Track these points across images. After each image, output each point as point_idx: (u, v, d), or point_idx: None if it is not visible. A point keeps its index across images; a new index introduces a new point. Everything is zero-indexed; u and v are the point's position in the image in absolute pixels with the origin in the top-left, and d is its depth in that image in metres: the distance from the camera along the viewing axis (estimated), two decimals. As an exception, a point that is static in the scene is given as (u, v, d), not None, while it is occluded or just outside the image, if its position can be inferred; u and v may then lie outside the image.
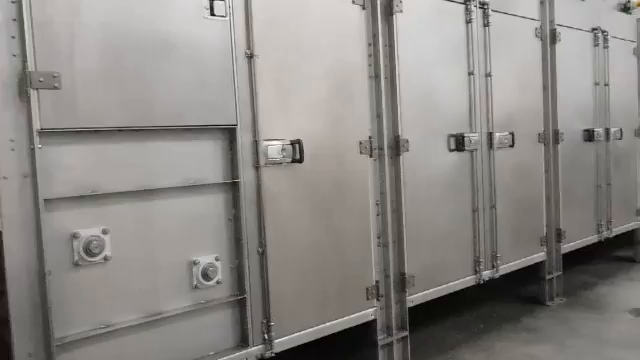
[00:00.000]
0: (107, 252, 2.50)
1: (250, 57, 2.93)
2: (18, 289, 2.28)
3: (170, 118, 2.65)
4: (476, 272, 4.30)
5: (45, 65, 2.29)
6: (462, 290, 4.20)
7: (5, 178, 2.22)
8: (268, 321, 3.03)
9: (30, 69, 2.25)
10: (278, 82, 3.09)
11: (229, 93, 2.86)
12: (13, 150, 2.25)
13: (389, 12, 3.65)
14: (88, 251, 2.44)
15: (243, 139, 2.92)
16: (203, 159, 2.83)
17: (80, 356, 2.44)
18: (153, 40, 2.59)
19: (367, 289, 3.57)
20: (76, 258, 2.43)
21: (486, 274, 4.37)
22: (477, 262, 4.29)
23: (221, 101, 2.83)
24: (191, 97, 2.72)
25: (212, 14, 2.79)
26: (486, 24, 4.32)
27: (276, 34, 3.06)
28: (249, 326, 2.97)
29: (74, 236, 2.42)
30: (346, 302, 3.46)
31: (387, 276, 3.68)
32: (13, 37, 2.24)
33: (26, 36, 2.24)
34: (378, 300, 3.63)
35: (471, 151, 4.23)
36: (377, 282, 3.63)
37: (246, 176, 2.94)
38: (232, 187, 2.93)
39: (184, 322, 2.76)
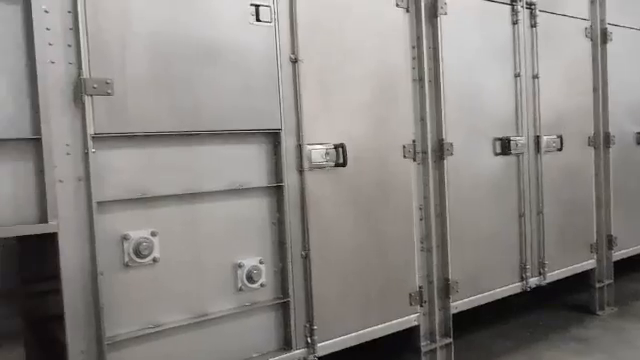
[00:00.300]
0: (156, 254, 2.56)
1: (294, 62, 2.95)
2: (72, 289, 2.35)
3: (217, 122, 2.70)
4: (522, 279, 4.19)
5: (98, 72, 2.37)
6: (507, 297, 4.10)
7: (61, 181, 2.31)
8: (311, 325, 3.04)
9: (85, 76, 2.33)
10: (321, 86, 3.10)
11: (274, 98, 2.88)
12: (68, 154, 2.33)
13: (433, 14, 3.61)
14: (138, 252, 2.50)
15: (287, 143, 2.94)
16: (248, 163, 2.86)
17: (129, 355, 2.50)
18: (200, 47, 2.65)
19: (410, 294, 3.53)
20: (126, 259, 2.49)
21: (533, 281, 4.25)
22: (523, 269, 4.18)
23: (266, 106, 2.86)
24: (237, 102, 2.75)
25: (257, 20, 2.82)
26: (533, 24, 4.21)
27: (320, 38, 3.08)
28: (292, 329, 2.98)
29: (124, 238, 2.48)
30: (389, 307, 3.43)
31: (430, 282, 3.63)
32: (69, 45, 2.32)
33: (81, 44, 2.32)
34: (421, 306, 3.58)
35: (517, 155, 4.13)
36: (420, 287, 3.58)
37: (290, 180, 2.96)
38: (276, 191, 2.95)
39: (229, 324, 2.80)
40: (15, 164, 2.22)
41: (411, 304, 3.53)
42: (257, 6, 2.82)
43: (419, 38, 3.56)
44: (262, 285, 2.90)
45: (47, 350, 3.24)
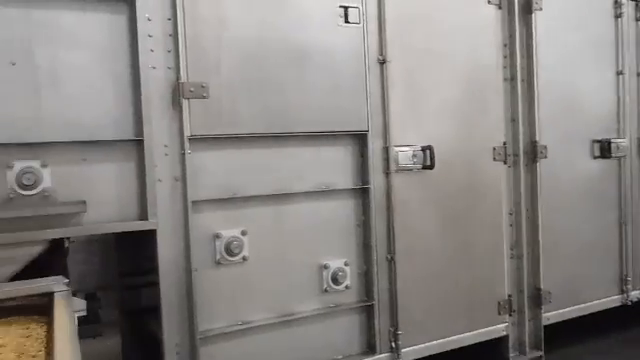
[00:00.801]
0: (245, 252, 2.62)
1: (382, 63, 2.92)
2: (168, 283, 2.46)
3: (305, 124, 2.72)
4: (622, 292, 3.90)
5: (195, 76, 2.46)
6: (605, 310, 3.83)
7: (160, 181, 2.42)
8: (396, 329, 2.99)
9: (182, 80, 2.43)
10: (409, 87, 3.04)
11: (361, 99, 2.87)
12: (167, 155, 2.44)
13: (527, 10, 3.44)
14: (229, 251, 2.57)
15: (374, 145, 2.92)
16: (334, 165, 2.86)
17: (219, 351, 2.58)
18: (290, 49, 2.68)
19: (499, 303, 3.38)
20: (218, 257, 2.57)
21: (634, 294, 3.94)
22: (624, 281, 3.89)
23: (353, 107, 2.85)
24: (325, 104, 2.77)
25: (346, 21, 2.82)
26: (639, 18, 3.91)
27: (408, 38, 3.02)
28: (376, 333, 2.95)
29: (217, 236, 2.57)
30: (476, 315, 3.30)
31: (520, 290, 3.46)
32: (169, 51, 2.43)
33: (180, 50, 2.43)
34: (510, 315, 3.43)
35: (618, 158, 3.84)
36: (510, 296, 3.42)
37: (376, 182, 2.93)
38: (362, 193, 2.94)
39: (314, 324, 2.81)
40: (119, 165, 2.36)
41: (500, 313, 3.39)
42: (346, 8, 2.82)
43: (511, 36, 3.40)
44: (347, 287, 2.89)
45: (141, 340, 3.42)
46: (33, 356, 1.45)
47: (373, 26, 2.90)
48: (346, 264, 2.89)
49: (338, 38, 2.80)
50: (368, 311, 2.96)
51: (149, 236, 2.59)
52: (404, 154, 3.00)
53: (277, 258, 2.72)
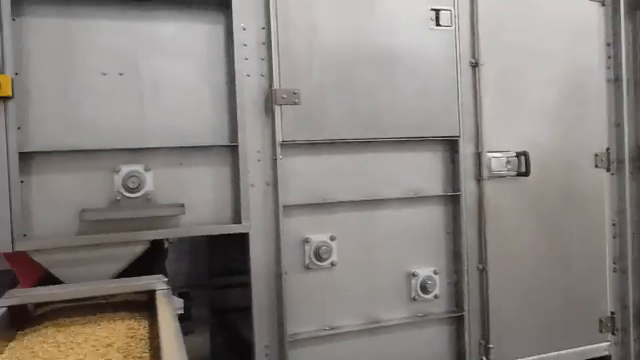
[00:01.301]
0: (334, 258, 2.63)
1: (475, 66, 2.83)
2: (259, 286, 2.51)
3: (395, 130, 2.69)
4: None
5: (287, 83, 2.50)
6: None
7: (252, 186, 2.48)
8: (487, 342, 2.87)
9: (275, 87, 2.48)
10: (503, 90, 2.92)
11: (452, 104, 2.79)
12: (259, 161, 2.50)
13: (635, 6, 3.20)
14: (318, 256, 2.58)
15: (465, 151, 2.83)
16: (424, 171, 2.80)
17: (307, 354, 2.59)
18: (380, 54, 2.66)
19: (600, 320, 3.16)
20: (307, 262, 2.59)
21: None
22: None
23: (444, 112, 2.78)
24: (415, 108, 2.72)
25: (437, 24, 2.76)
26: None
27: (502, 40, 2.91)
28: (466, 345, 2.84)
29: (306, 241, 2.59)
30: (574, 332, 3.10)
31: (625, 307, 3.21)
32: (262, 59, 2.49)
33: (273, 57, 2.48)
34: (613, 334, 3.19)
35: None
36: (612, 313, 3.19)
37: (467, 189, 2.84)
38: (452, 200, 2.85)
39: (401, 333, 2.76)
40: (215, 169, 2.44)
41: (601, 331, 3.16)
42: (437, 10, 2.75)
43: (616, 34, 3.18)
44: (436, 297, 2.82)
45: (228, 338, 3.52)
46: (139, 357, 1.52)
47: (465, 28, 2.82)
48: (435, 272, 2.81)
49: (429, 41, 2.75)
50: (458, 322, 2.87)
51: (240, 239, 2.66)
52: (497, 160, 2.88)
53: (365, 264, 2.70)
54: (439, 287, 2.82)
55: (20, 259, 2.34)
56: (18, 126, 2.13)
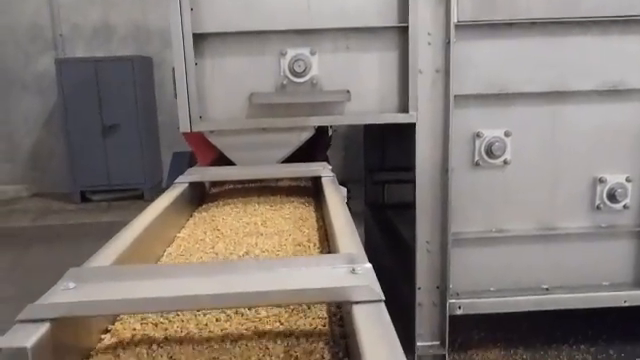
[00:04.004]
0: (507, 156, 2.38)
1: None
2: (423, 182, 2.39)
3: (597, 7, 2.24)
4: None
5: (467, -48, 2.17)
6: None
7: (420, 72, 2.28)
8: (684, 264, 2.48)
9: (453, -42, 2.17)
10: None
11: (678, -28, 2.22)
12: (429, 44, 2.27)
13: None
14: (489, 152, 2.36)
15: (688, 33, 2.28)
16: (628, 58, 2.34)
17: (471, 254, 2.47)
18: None
19: None
20: (477, 158, 2.39)
21: None
22: None
23: (665, -17, 2.24)
24: (626, -20, 2.22)
25: None
26: None
27: None
28: (657, 264, 2.49)
29: (477, 135, 2.37)
30: None
31: None
32: None
33: None
34: None
35: None
36: None
37: (684, 82, 2.33)
38: (661, 95, 2.37)
39: (579, 243, 2.48)
40: (381, 54, 2.27)
41: None
42: None
43: None
44: (625, 207, 2.45)
45: (385, 235, 3.53)
46: (308, 241, 1.51)
47: None
48: (628, 180, 2.43)
49: None
50: (648, 238, 2.50)
51: (401, 132, 2.53)
52: None
53: (543, 165, 2.41)
54: (630, 197, 2.45)
55: (198, 140, 2.48)
56: (191, 7, 2.14)
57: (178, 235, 1.60)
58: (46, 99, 7.34)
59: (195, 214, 1.87)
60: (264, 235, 1.53)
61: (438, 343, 2.48)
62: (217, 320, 1.04)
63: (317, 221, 1.69)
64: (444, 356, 2.47)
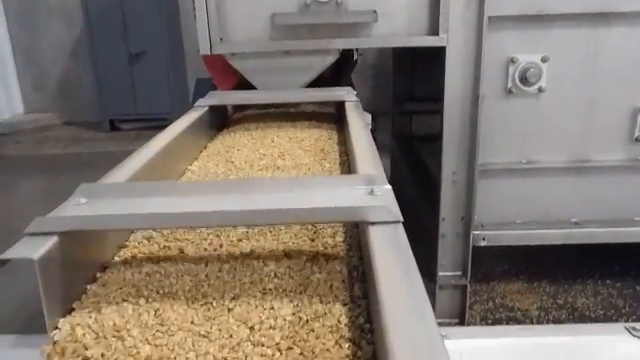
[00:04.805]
0: (542, 83, 2.25)
1: None
2: (452, 109, 2.28)
3: None
4: None
5: None
6: None
7: (453, -8, 2.12)
8: None
9: None
10: None
11: None
12: (466, -41, 2.10)
13: None
14: (524, 79, 2.23)
15: None
16: (684, -24, 2.13)
17: (498, 185, 2.40)
18: None
19: None
20: (510, 85, 2.26)
21: None
22: None
23: None
24: None
25: None
26: None
27: None
28: (696, 200, 2.38)
29: (511, 61, 2.23)
30: None
31: None
32: None
33: None
34: None
35: None
36: None
37: None
38: None
39: (614, 177, 2.38)
40: (413, -30, 2.12)
41: None
42: None
43: None
44: (666, 139, 2.32)
45: (411, 166, 3.47)
46: (330, 165, 1.46)
47: None
48: (672, 111, 2.29)
49: None
50: (690, 172, 2.37)
51: (431, 59, 2.41)
52: None
53: (581, 93, 2.28)
54: (673, 129, 2.31)
55: (219, 65, 2.41)
56: None
57: (189, 168, 1.52)
58: (72, 26, 7.29)
59: (209, 145, 1.78)
60: (280, 169, 1.46)
61: (460, 273, 2.47)
62: (239, 240, 1.01)
63: (340, 155, 1.60)
64: (465, 286, 2.47)
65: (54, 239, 0.79)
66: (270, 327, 0.75)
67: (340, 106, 1.99)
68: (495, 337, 0.92)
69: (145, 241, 1.02)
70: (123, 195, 0.96)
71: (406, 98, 3.66)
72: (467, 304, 2.49)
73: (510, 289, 2.87)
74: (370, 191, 0.95)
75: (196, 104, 1.93)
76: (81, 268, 0.88)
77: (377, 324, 0.66)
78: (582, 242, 2.42)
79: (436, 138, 2.44)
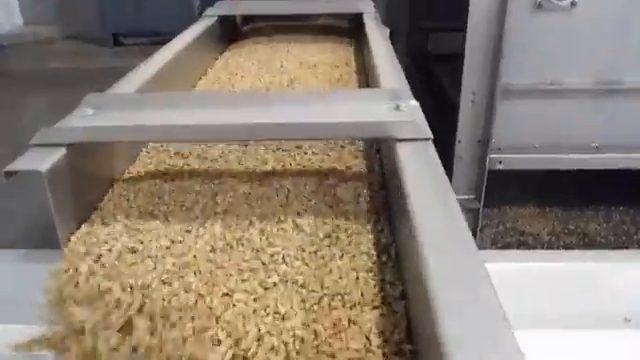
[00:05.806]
0: (577, -3, 2.09)
1: None
2: (476, 24, 2.14)
3: None
4: None
5: None
6: None
7: None
8: None
9: None
10: None
11: None
12: None
13: None
14: (556, -8, 2.07)
15: None
16: None
17: (520, 107, 2.29)
18: None
19: None
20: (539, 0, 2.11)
21: None
22: None
23: None
24: None
25: None
26: None
27: None
28: None
29: (544, -29, 2.06)
30: None
31: None
32: None
33: None
34: None
35: None
36: None
37: None
38: None
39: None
40: None
41: None
42: None
43: None
44: (702, 62, 2.19)
45: (428, 88, 3.35)
46: (345, 80, 1.37)
47: None
48: None
49: None
50: None
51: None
52: None
53: (615, 10, 2.11)
54: None
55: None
56: None
57: None
58: None
59: (209, 70, 1.59)
60: (295, 70, 1.37)
61: (473, 197, 2.43)
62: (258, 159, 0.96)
63: (359, 84, 1.43)
64: (478, 210, 2.44)
65: (62, 151, 0.74)
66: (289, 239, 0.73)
67: (355, 20, 1.86)
68: (526, 261, 0.89)
69: (156, 156, 0.97)
70: (132, 106, 0.89)
71: (424, 15, 3.47)
72: (479, 227, 2.47)
73: (521, 213, 2.85)
74: (396, 107, 0.88)
75: (205, 13, 1.81)
76: (91, 183, 0.84)
77: (409, 246, 0.62)
78: (601, 167, 2.36)
79: (455, 57, 2.31)
